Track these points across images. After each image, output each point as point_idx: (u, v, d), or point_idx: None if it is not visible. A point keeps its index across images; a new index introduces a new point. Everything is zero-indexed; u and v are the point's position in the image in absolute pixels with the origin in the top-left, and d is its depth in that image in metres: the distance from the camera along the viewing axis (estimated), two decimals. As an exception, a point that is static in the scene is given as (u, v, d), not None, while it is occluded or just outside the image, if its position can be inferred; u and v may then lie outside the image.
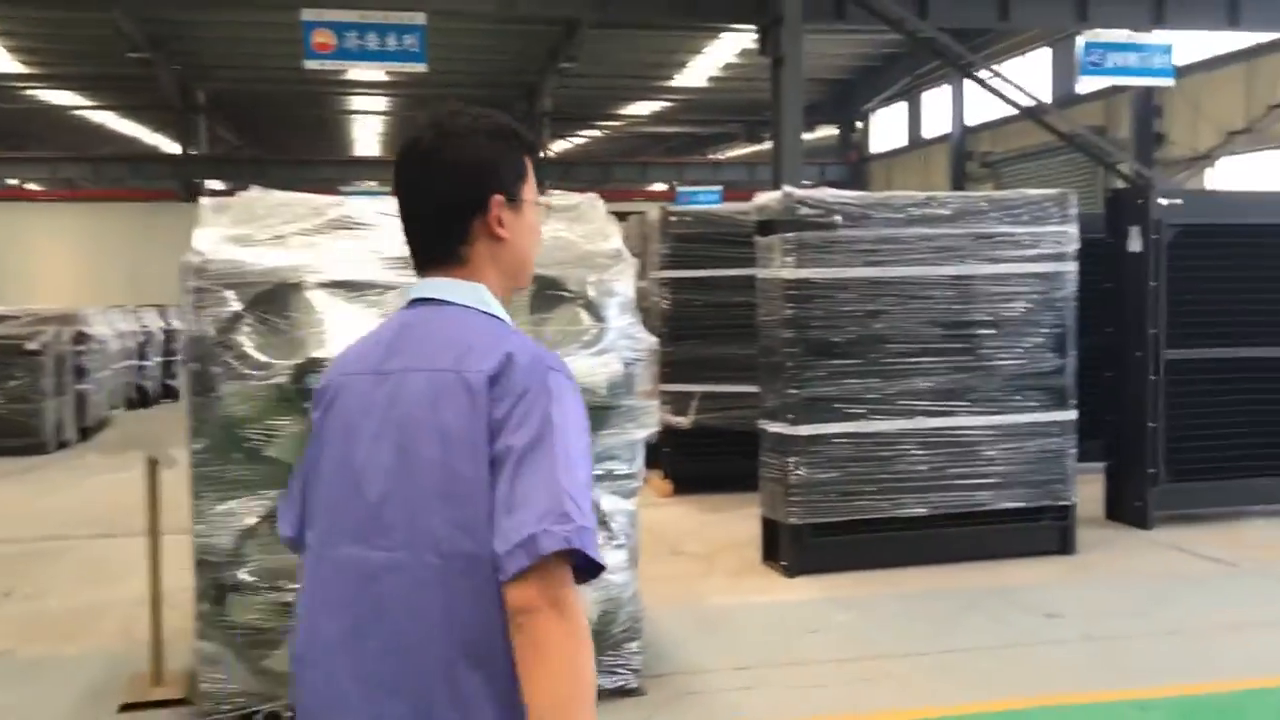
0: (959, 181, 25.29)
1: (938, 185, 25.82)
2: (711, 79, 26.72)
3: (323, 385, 1.80)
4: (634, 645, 4.41)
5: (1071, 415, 6.84)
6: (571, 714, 1.50)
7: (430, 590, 1.60)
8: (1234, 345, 7.58)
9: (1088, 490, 7.38)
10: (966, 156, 26.52)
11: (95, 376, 13.49)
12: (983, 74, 16.34)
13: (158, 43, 22.19)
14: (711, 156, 33.27)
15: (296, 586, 3.99)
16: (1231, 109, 18.93)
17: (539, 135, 26.69)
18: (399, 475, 1.64)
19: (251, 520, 3.97)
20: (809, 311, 6.42)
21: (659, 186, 31.54)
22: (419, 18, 12.70)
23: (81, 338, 12.95)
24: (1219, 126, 18.51)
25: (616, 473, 4.26)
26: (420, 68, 12.94)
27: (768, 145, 18.51)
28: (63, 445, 12.18)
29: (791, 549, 6.40)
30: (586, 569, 1.58)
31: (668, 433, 8.48)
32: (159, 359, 17.41)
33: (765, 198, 6.86)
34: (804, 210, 6.43)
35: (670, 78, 26.97)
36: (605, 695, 4.18)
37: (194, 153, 27.57)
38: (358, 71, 22.78)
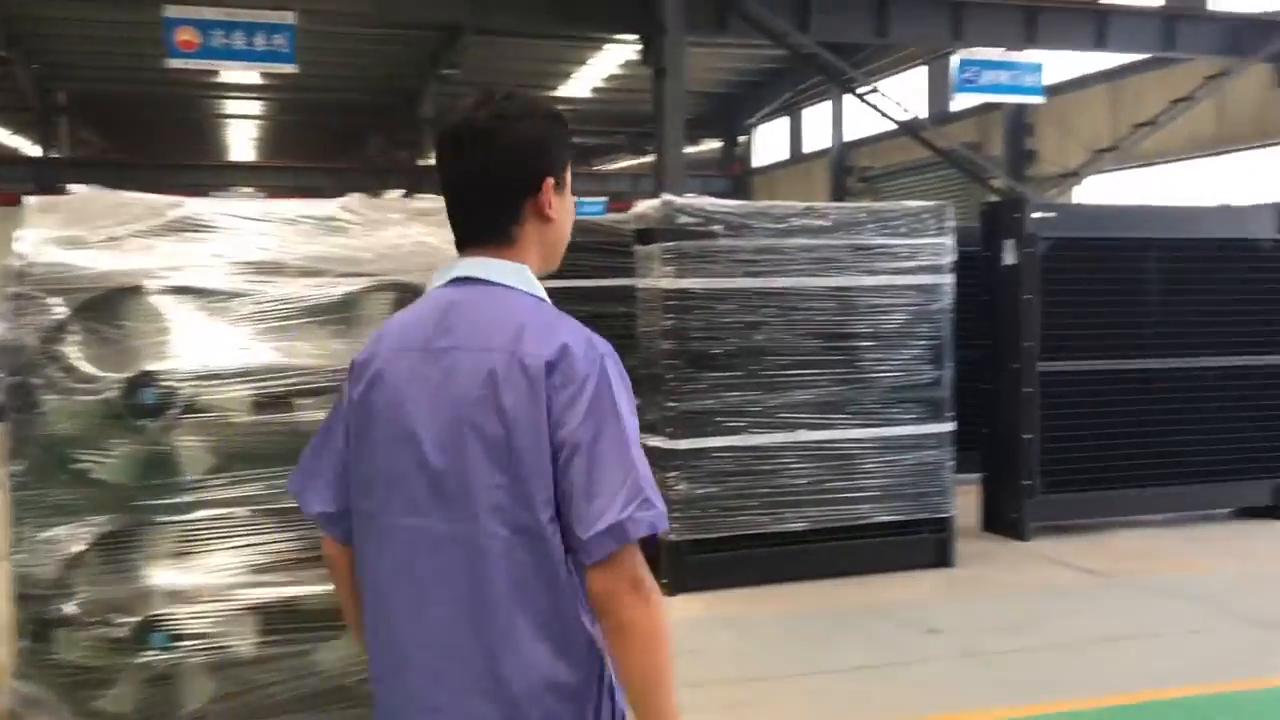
0: (839, 195, 25.64)
1: (818, 199, 26.05)
2: (595, 90, 26.64)
3: (363, 360, 1.83)
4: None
5: (949, 428, 6.82)
6: (659, 681, 1.67)
7: (495, 560, 1.68)
8: (1104, 358, 7.69)
9: (965, 501, 7.39)
10: (846, 171, 26.93)
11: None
12: (862, 90, 16.53)
13: (14, 40, 21.18)
14: (597, 168, 33.15)
15: (129, 620, 3.68)
16: (1098, 127, 19.54)
17: (420, 143, 26.26)
18: (461, 450, 1.69)
19: (79, 548, 3.62)
20: (688, 323, 6.27)
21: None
22: (288, 17, 12.26)
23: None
24: (1086, 144, 19.08)
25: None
26: (290, 68, 12.49)
27: (652, 157, 18.45)
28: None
29: (671, 566, 6.22)
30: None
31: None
32: None
33: (644, 206, 6.70)
34: (683, 219, 6.29)
35: (554, 88, 26.76)
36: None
37: (55, 155, 26.35)
38: (230, 74, 22.09)
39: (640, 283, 6.58)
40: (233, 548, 3.64)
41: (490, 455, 1.68)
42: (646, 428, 6.45)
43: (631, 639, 1.65)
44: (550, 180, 1.81)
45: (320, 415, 3.82)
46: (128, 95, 26.48)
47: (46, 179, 25.65)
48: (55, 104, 26.16)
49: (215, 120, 30.60)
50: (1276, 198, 10.55)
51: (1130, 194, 19.49)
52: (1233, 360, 7.94)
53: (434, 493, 1.72)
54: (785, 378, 6.48)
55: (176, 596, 3.59)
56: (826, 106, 27.69)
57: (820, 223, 6.58)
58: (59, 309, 3.60)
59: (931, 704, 4.63)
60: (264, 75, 22.20)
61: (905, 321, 6.72)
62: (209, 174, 28.50)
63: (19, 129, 28.95)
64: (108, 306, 3.66)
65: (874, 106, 16.73)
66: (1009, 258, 7.56)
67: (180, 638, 3.58)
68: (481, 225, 1.81)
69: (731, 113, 30.16)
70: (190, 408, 3.59)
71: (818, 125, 28.99)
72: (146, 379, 3.53)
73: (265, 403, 3.68)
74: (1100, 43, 16.25)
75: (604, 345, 1.74)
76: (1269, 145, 17.37)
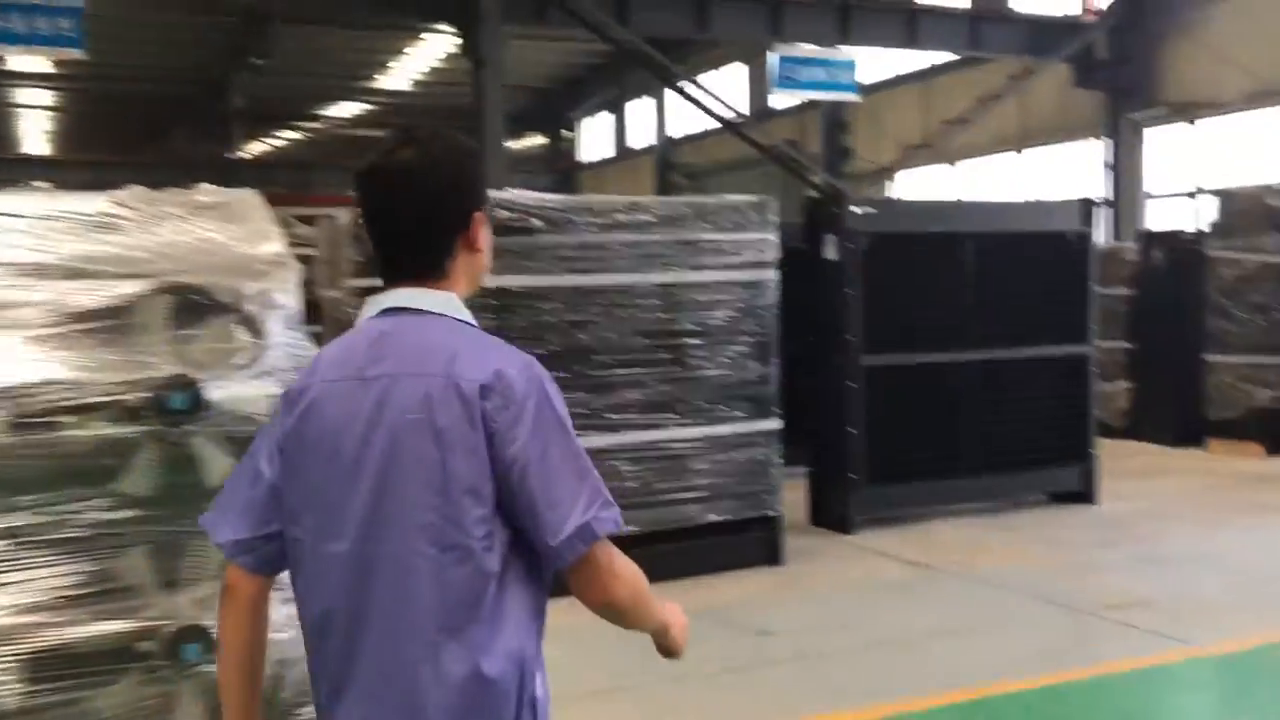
0: (664, 192, 25.66)
1: (645, 195, 26.16)
2: (415, 82, 26.01)
3: (297, 390, 1.87)
4: (307, 710, 3.84)
5: (776, 424, 6.77)
6: (650, 612, 1.95)
7: (422, 578, 1.74)
8: (924, 350, 7.79)
9: (794, 496, 7.37)
10: (670, 168, 27.04)
11: None
12: (684, 85, 16.55)
13: None
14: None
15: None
16: (911, 125, 20.13)
17: (230, 136, 25.12)
18: (395, 474, 1.75)
19: None
20: (510, 322, 6.01)
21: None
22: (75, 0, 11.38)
23: None
24: (900, 142, 19.62)
25: (283, 513, 3.67)
26: (77, 54, 11.60)
27: (473, 151, 18.03)
28: None
29: (496, 577, 5.96)
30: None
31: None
32: None
33: (461, 201, 6.40)
34: (501, 213, 6.02)
35: (373, 79, 26.03)
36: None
37: None
38: (17, 61, 20.64)
39: (458, 281, 6.28)
40: (-8, 587, 3.22)
41: (424, 477, 1.74)
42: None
43: (630, 613, 1.87)
44: (480, 215, 1.91)
45: (88, 434, 3.43)
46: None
47: None
48: None
49: (3, 110, 28.55)
50: (1076, 192, 11.00)
51: (941, 190, 20.17)
52: (1042, 350, 8.16)
53: (366, 516, 1.77)
54: (612, 378, 6.30)
55: (-80, 648, 3.15)
56: (651, 103, 27.75)
57: (644, 217, 6.42)
58: None
59: (764, 712, 4.51)
60: (56, 63, 20.80)
61: (731, 318, 6.62)
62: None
63: None
64: None
65: (697, 103, 16.75)
66: (831, 253, 7.58)
67: (-74, 694, 3.14)
68: (413, 261, 1.88)
69: (556, 108, 29.90)
70: (-68, 430, 3.16)
71: (643, 121, 29.04)
72: None
73: (25, 422, 3.26)
74: (911, 41, 16.69)
75: (537, 365, 1.82)
76: (1066, 141, 18.22)
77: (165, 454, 3.37)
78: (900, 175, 20.05)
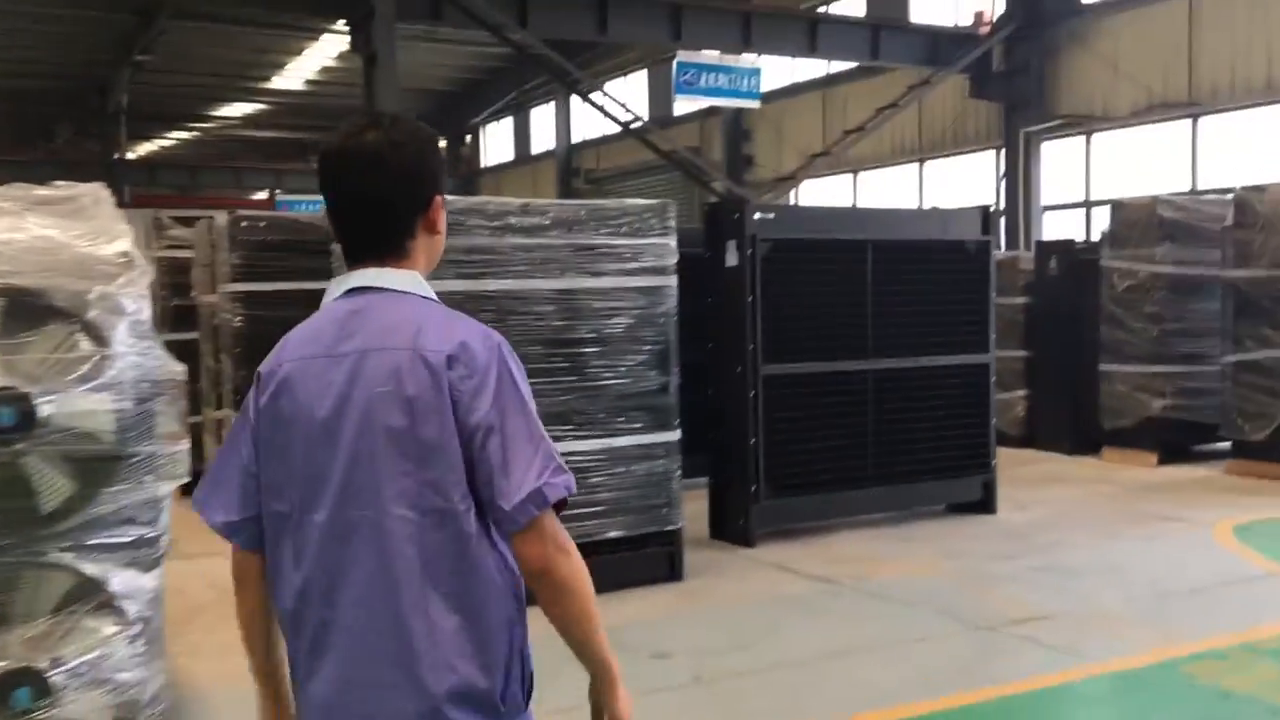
0: (566, 197, 25.47)
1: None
2: (309, 82, 25.40)
3: (268, 370, 1.92)
4: None
5: (675, 436, 6.56)
6: (595, 625, 1.89)
7: (402, 542, 1.80)
8: (824, 359, 7.65)
9: (695, 508, 7.17)
10: (573, 173, 26.83)
11: None
12: (586, 89, 16.34)
13: None
14: (314, 164, 31.69)
15: None
16: (811, 133, 20.20)
17: (115, 135, 24.19)
18: (369, 444, 1.81)
19: None
20: (396, 330, 5.69)
21: (261, 195, 29.59)
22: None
23: None
24: (801, 150, 19.66)
25: (130, 540, 3.32)
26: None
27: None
28: None
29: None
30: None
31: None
32: None
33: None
34: (387, 216, 5.70)
35: (266, 79, 25.33)
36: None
37: None
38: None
39: (342, 286, 5.95)
40: None
41: (398, 445, 1.80)
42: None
43: (567, 594, 1.84)
44: (440, 198, 1.98)
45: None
46: None
47: None
48: None
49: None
50: (975, 202, 11.03)
51: (842, 198, 20.27)
52: (942, 360, 8.09)
53: (343, 486, 1.82)
54: (504, 388, 6.01)
55: None
56: (553, 107, 27.49)
57: (539, 220, 6.16)
58: None
59: (662, 741, 4.28)
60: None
61: (630, 325, 6.40)
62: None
63: None
64: None
65: (598, 107, 16.56)
66: (731, 259, 7.41)
67: None
68: (376, 241, 1.94)
69: (457, 111, 29.43)
70: None
71: (545, 126, 28.75)
72: None
73: None
74: (812, 49, 16.70)
75: (498, 336, 1.89)
76: (964, 152, 18.44)
77: (-11, 477, 3.03)
78: (803, 184, 20.10)
